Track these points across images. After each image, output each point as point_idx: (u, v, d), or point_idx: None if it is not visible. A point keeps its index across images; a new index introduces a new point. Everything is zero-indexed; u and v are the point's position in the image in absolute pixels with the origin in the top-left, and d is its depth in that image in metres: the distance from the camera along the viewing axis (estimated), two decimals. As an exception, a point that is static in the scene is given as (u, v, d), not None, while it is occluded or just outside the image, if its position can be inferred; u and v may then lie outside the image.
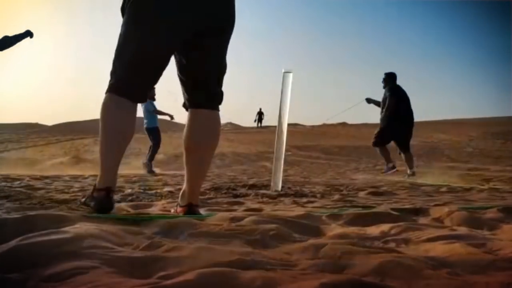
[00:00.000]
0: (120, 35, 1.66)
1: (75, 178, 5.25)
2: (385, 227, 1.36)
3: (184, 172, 1.79)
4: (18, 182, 4.07)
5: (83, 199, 1.83)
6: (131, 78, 1.64)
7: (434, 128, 22.57)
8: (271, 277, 0.75)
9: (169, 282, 0.73)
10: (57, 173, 6.69)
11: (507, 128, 18.90)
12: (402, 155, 6.07)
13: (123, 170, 8.76)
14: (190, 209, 1.72)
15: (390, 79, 6.15)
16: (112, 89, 1.65)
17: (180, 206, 1.78)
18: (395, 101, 5.95)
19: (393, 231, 1.31)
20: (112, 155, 1.69)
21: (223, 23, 1.71)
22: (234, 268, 0.80)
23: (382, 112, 6.21)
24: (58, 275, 0.77)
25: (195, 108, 1.77)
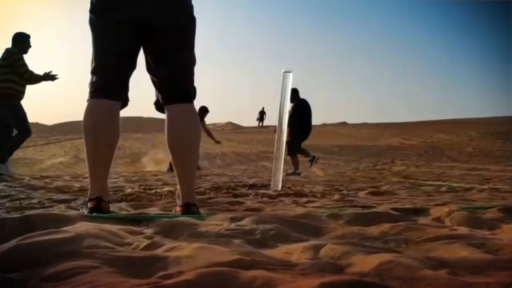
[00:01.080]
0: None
1: (75, 177, 5.25)
2: (385, 227, 1.36)
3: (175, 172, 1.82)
4: (18, 181, 4.07)
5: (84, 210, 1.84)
6: (102, 78, 1.71)
7: (435, 128, 22.57)
8: (271, 277, 0.75)
9: (169, 281, 0.73)
10: (57, 172, 6.69)
11: (507, 128, 18.90)
12: (289, 157, 6.84)
13: (124, 169, 8.77)
14: (188, 208, 1.72)
15: (294, 95, 6.85)
16: (90, 95, 1.73)
17: (178, 206, 1.79)
18: (302, 115, 6.98)
19: (393, 231, 1.31)
20: (99, 164, 1.74)
21: (176, 21, 1.74)
22: (234, 268, 0.80)
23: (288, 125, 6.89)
24: (58, 275, 0.77)
25: (167, 105, 1.79)
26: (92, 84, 1.73)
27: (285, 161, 3.97)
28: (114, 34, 1.71)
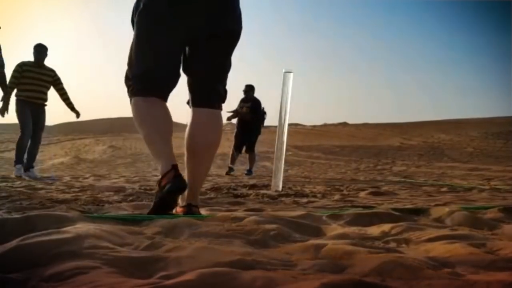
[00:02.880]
0: (132, 43, 1.75)
1: (76, 178, 5.25)
2: (385, 227, 1.36)
3: (185, 172, 1.80)
4: (19, 182, 4.07)
5: (154, 202, 1.72)
6: (150, 77, 1.70)
7: (435, 128, 22.57)
8: (271, 277, 0.75)
9: (169, 282, 0.73)
10: (58, 173, 6.70)
11: (507, 128, 18.90)
12: (248, 155, 7.14)
13: (124, 170, 8.76)
14: (189, 209, 1.70)
15: (251, 90, 7.12)
16: (137, 93, 1.71)
17: (180, 207, 1.76)
18: (256, 113, 7.04)
19: (393, 231, 1.31)
20: (163, 141, 1.68)
21: (227, 26, 1.74)
22: (234, 268, 0.80)
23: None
24: (58, 275, 0.77)
25: (196, 107, 1.78)
26: (139, 82, 1.71)
27: (286, 161, 3.96)
28: (167, 36, 1.69)
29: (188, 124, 1.78)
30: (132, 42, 1.76)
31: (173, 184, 1.56)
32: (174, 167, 1.59)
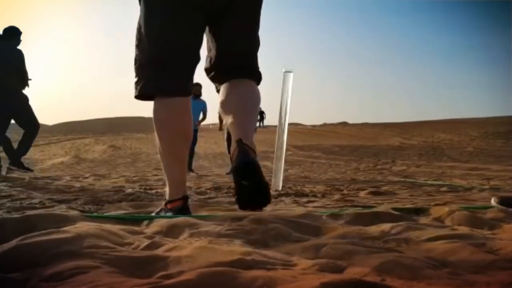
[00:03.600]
0: (141, 19, 1.52)
1: (76, 177, 5.25)
2: (385, 226, 1.36)
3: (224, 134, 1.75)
4: (19, 181, 4.07)
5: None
6: (166, 72, 1.49)
7: (435, 128, 22.57)
8: (271, 276, 0.75)
9: (169, 281, 0.73)
10: (57, 172, 6.69)
11: (507, 127, 18.91)
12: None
13: (124, 169, 8.76)
14: (241, 146, 1.45)
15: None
16: (157, 90, 1.52)
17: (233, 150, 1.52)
18: None
19: (393, 231, 1.31)
20: (179, 160, 1.56)
21: None
22: (234, 267, 0.80)
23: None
24: (58, 275, 0.77)
25: (233, 78, 1.63)
26: (152, 79, 1.50)
27: (286, 160, 3.96)
28: (183, 16, 1.47)
29: (223, 93, 1.63)
30: (141, 18, 1.52)
31: (180, 213, 1.49)
32: (184, 198, 1.51)
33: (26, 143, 5.05)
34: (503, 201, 1.47)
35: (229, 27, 1.58)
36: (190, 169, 7.04)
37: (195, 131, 6.96)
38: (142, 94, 1.52)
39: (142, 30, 1.49)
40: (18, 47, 4.89)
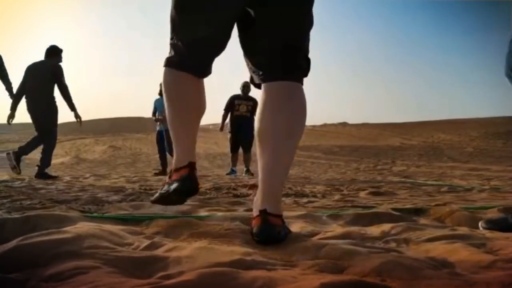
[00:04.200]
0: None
1: (76, 178, 5.25)
2: (385, 227, 1.36)
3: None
4: (19, 182, 4.07)
5: (155, 195, 1.49)
6: (190, 50, 1.37)
7: (435, 128, 22.57)
8: (271, 277, 0.75)
9: (169, 282, 0.73)
10: (58, 173, 6.70)
11: (507, 128, 18.90)
12: (244, 155, 6.97)
13: (124, 169, 8.77)
14: (264, 218, 1.20)
15: (249, 88, 6.68)
16: (172, 64, 1.40)
17: (254, 216, 1.26)
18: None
19: (393, 231, 1.31)
20: (185, 130, 1.42)
21: None
22: (234, 268, 0.80)
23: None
24: (58, 275, 0.77)
25: (267, 82, 1.36)
26: (177, 52, 1.38)
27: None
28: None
29: (259, 106, 1.39)
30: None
31: (182, 185, 1.33)
32: (191, 165, 1.34)
33: (32, 145, 5.35)
34: (490, 223, 1.46)
35: (268, 10, 1.31)
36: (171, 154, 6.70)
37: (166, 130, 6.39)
38: (169, 65, 1.41)
39: (174, 8, 1.37)
40: (60, 63, 5.34)
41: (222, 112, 6.90)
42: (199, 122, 1.46)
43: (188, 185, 1.33)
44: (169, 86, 1.41)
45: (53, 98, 5.25)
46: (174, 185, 1.35)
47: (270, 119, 1.31)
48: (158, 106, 6.73)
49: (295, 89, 1.34)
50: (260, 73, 1.38)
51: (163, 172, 6.47)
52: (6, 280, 0.75)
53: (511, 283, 0.76)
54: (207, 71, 1.44)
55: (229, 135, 7.00)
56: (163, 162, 6.82)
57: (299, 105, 1.34)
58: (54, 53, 5.28)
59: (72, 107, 5.31)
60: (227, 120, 6.97)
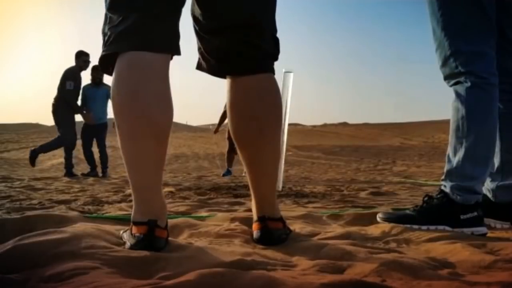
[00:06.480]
0: None
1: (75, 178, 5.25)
2: (385, 227, 1.36)
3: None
4: (18, 182, 4.07)
5: (121, 232, 1.12)
6: (137, 19, 0.99)
7: (435, 128, 22.57)
8: (271, 277, 0.75)
9: (169, 282, 0.72)
10: (57, 173, 6.69)
11: (508, 128, 18.90)
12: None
13: (124, 170, 8.75)
14: (264, 225, 1.14)
15: None
16: (112, 46, 1.01)
17: (254, 222, 1.20)
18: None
19: (393, 231, 1.31)
20: (146, 163, 1.01)
21: None
22: (234, 268, 0.80)
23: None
24: (58, 276, 0.77)
25: (228, 74, 1.15)
26: (117, 26, 1.00)
27: (286, 161, 3.96)
28: None
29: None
30: None
31: (140, 246, 0.97)
32: (149, 224, 0.98)
33: (51, 145, 5.91)
34: (387, 214, 1.46)
35: None
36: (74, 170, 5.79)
37: (103, 124, 6.15)
38: (117, 49, 1.01)
39: None
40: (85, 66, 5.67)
41: (221, 113, 6.83)
42: (164, 146, 1.04)
43: (146, 248, 0.96)
44: (116, 83, 1.01)
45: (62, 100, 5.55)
46: (133, 242, 1.00)
47: (243, 127, 1.16)
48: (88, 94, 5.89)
49: (265, 85, 1.14)
50: (213, 62, 1.14)
51: (92, 171, 5.92)
52: (5, 280, 0.74)
53: (511, 283, 0.76)
54: (165, 42, 1.03)
55: (227, 134, 6.93)
56: (90, 161, 6.07)
57: (272, 105, 1.15)
58: (75, 57, 5.66)
59: (74, 109, 5.61)
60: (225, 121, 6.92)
